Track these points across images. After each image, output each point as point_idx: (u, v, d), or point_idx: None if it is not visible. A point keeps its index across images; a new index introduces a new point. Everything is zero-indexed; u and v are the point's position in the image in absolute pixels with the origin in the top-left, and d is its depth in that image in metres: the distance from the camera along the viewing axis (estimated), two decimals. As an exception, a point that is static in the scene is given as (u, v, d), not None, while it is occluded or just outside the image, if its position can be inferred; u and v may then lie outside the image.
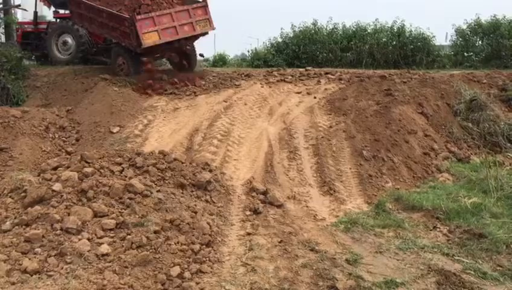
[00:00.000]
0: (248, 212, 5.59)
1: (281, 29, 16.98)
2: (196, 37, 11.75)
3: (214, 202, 5.66)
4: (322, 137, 8.17)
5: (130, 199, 4.84)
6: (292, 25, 16.65)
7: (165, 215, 4.72)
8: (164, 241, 4.32)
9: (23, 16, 17.19)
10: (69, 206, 4.59)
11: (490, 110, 9.49)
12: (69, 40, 13.03)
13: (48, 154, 7.89)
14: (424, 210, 5.90)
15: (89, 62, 13.37)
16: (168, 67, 13.55)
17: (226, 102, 9.85)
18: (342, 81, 11.29)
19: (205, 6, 11.42)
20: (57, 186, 4.80)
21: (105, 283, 3.70)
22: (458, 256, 4.70)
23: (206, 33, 11.80)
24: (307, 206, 6.15)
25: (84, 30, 12.53)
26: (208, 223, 4.85)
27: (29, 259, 3.90)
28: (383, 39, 15.70)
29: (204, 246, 4.51)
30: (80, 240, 4.17)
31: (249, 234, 5.02)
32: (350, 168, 7.25)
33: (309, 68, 12.94)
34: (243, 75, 12.01)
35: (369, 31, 16.18)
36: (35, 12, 14.44)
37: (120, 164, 5.57)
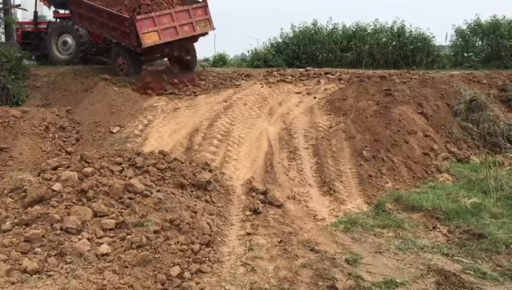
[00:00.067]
0: (248, 212, 5.59)
1: (281, 29, 17.05)
2: (196, 37, 11.77)
3: (213, 202, 5.66)
4: (322, 137, 8.17)
5: (130, 198, 4.84)
6: (292, 25, 16.73)
7: (165, 215, 4.72)
8: (164, 241, 4.32)
9: (23, 15, 17.20)
10: (69, 206, 4.59)
11: (490, 110, 9.49)
12: (69, 40, 13.04)
13: (48, 154, 7.89)
14: (424, 210, 5.90)
15: (89, 62, 13.38)
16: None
17: (226, 102, 9.86)
18: (342, 82, 11.30)
19: (205, 7, 11.43)
20: (57, 186, 4.80)
21: (105, 282, 3.70)
22: (458, 256, 4.71)
23: (206, 33, 11.81)
24: (307, 206, 6.15)
25: (84, 30, 12.54)
26: (208, 223, 4.86)
27: (29, 259, 3.90)
28: (383, 39, 15.72)
29: (204, 246, 4.51)
30: (79, 240, 4.17)
31: (248, 234, 5.02)
32: (350, 168, 7.26)
33: (309, 68, 12.96)
34: (243, 75, 12.03)
35: (369, 31, 16.20)
36: (35, 12, 14.45)
37: (120, 164, 5.58)
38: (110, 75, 11.08)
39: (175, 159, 5.99)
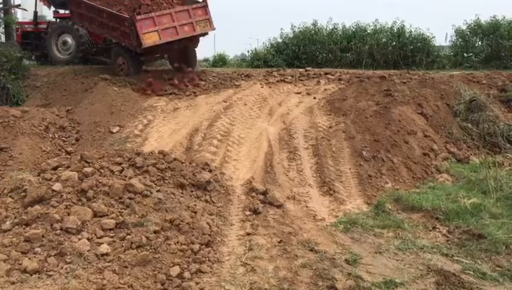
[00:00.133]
0: (248, 213, 5.59)
1: (281, 29, 17.05)
2: (196, 37, 11.77)
3: (213, 202, 5.66)
4: (322, 137, 8.17)
5: (130, 198, 4.84)
6: (292, 25, 16.72)
7: (164, 215, 4.73)
8: (164, 241, 4.33)
9: (23, 15, 17.20)
10: (68, 206, 4.60)
11: (490, 110, 9.50)
12: (69, 40, 13.04)
13: (48, 154, 7.90)
14: (424, 211, 5.91)
15: (89, 62, 13.38)
16: (168, 67, 13.54)
17: (225, 102, 9.87)
18: (342, 82, 11.31)
19: (205, 7, 11.42)
20: (56, 186, 4.80)
21: (105, 282, 3.70)
22: (457, 256, 4.71)
23: (206, 33, 11.81)
24: (307, 207, 6.15)
25: (84, 30, 12.54)
26: (208, 223, 4.86)
27: (29, 259, 3.90)
28: (383, 40, 15.72)
29: (204, 246, 4.51)
30: (79, 239, 4.17)
31: (248, 234, 5.02)
32: (350, 169, 7.26)
33: (309, 68, 12.96)
34: (242, 76, 12.02)
35: (368, 31, 16.21)
36: (35, 12, 14.45)
37: (120, 164, 5.58)
38: (110, 75, 11.07)
39: (175, 159, 5.99)
